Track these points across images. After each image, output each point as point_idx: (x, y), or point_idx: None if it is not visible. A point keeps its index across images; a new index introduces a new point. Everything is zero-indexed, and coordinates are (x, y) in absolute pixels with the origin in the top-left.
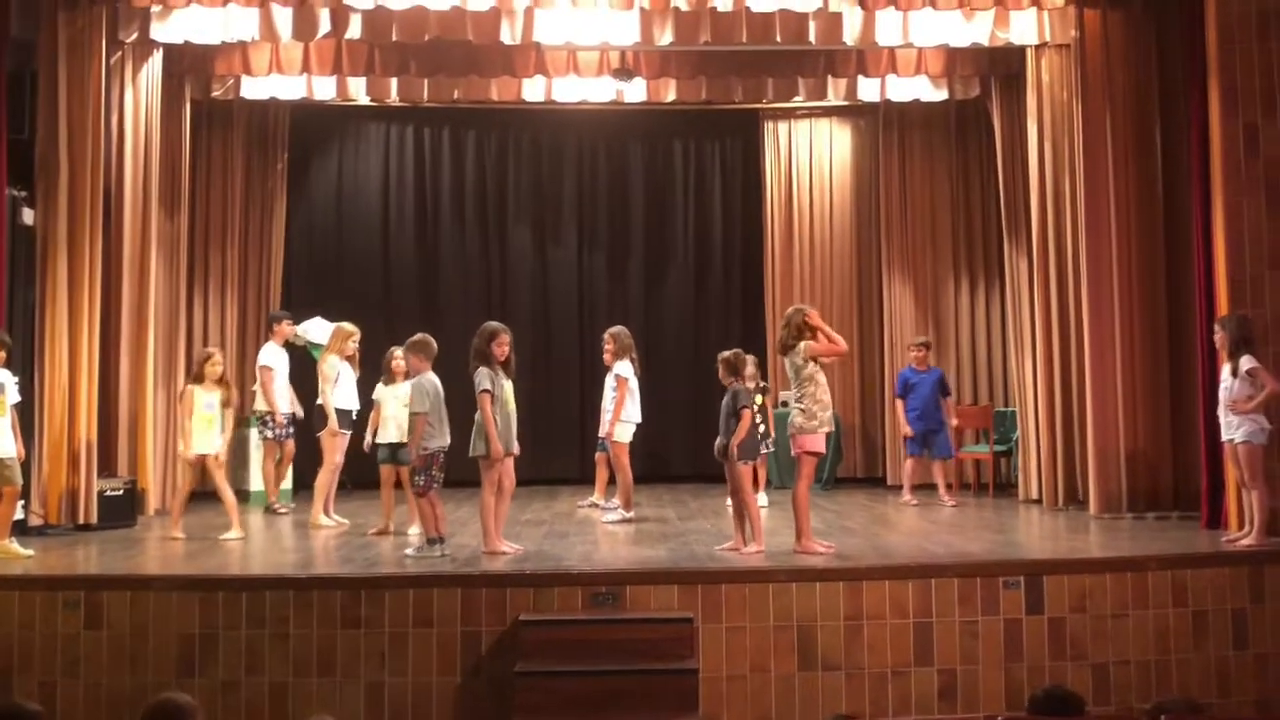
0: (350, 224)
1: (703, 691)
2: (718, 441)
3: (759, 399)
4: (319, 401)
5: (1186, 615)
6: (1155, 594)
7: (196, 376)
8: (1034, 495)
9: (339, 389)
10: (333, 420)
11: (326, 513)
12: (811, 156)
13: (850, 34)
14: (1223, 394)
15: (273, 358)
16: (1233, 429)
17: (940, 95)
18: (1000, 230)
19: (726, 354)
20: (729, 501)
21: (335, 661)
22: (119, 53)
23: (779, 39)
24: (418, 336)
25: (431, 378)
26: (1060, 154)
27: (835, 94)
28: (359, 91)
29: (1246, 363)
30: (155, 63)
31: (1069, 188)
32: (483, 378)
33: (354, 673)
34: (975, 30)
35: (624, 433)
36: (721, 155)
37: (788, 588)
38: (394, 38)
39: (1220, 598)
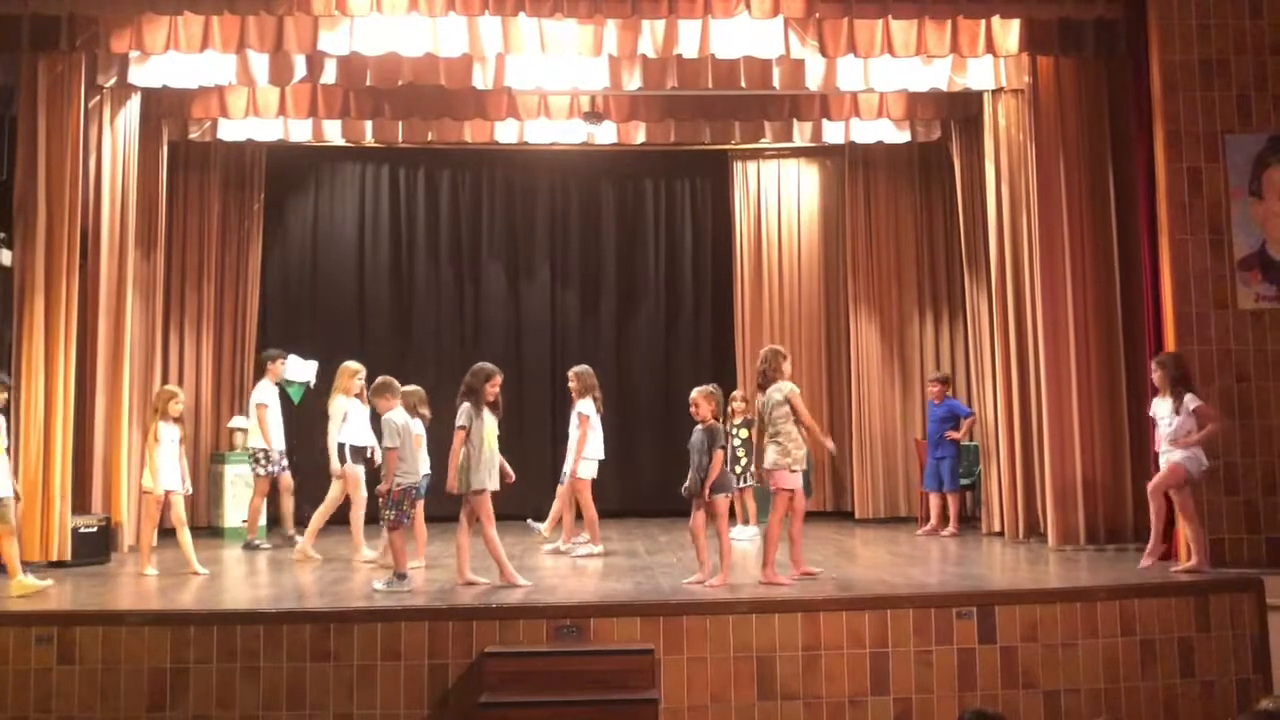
0: (325, 263)
1: None
2: (690, 477)
3: (745, 432)
4: (339, 440)
5: (1135, 644)
6: (1104, 623)
7: (162, 414)
8: (996, 528)
9: (351, 426)
10: (333, 459)
11: (357, 546)
12: (780, 196)
13: (813, 80)
14: (1161, 429)
15: (267, 395)
16: (1173, 462)
17: (903, 137)
18: (963, 267)
19: (709, 389)
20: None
21: (305, 694)
22: (97, 97)
23: (744, 84)
24: (379, 380)
25: (401, 414)
26: (1017, 194)
27: (801, 136)
28: (334, 133)
29: (1191, 401)
30: (133, 106)
31: (1026, 227)
32: (462, 415)
33: (323, 705)
34: (934, 76)
35: (587, 469)
36: (691, 195)
37: (748, 619)
38: (368, 83)
39: (1168, 627)
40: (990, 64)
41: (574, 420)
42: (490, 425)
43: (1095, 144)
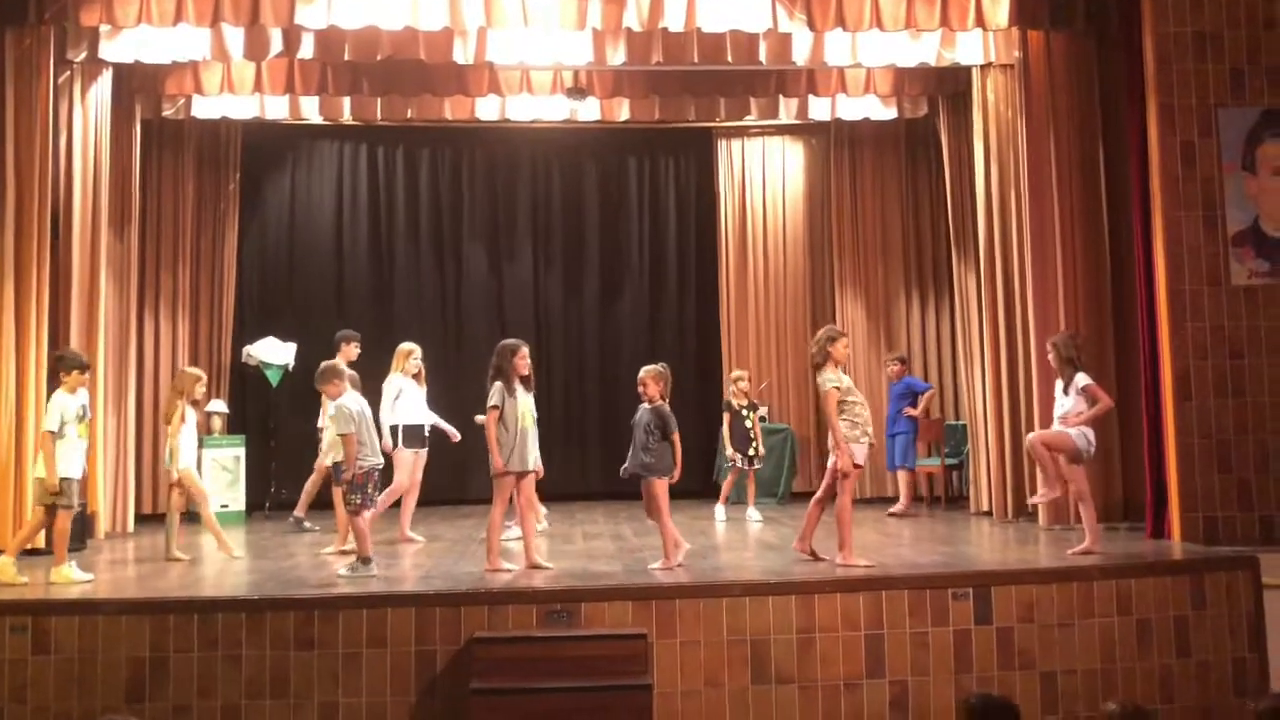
0: (303, 243)
1: (657, 707)
2: (630, 457)
3: (751, 416)
4: (391, 422)
5: (1131, 624)
6: (1100, 603)
7: (188, 396)
8: (985, 508)
9: (407, 406)
10: (385, 438)
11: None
12: (765, 174)
13: (800, 54)
14: (1056, 408)
15: None
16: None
17: (890, 114)
18: (950, 246)
19: (658, 369)
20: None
21: (289, 683)
22: (67, 72)
23: (730, 59)
24: (323, 365)
25: (353, 398)
26: (1006, 172)
27: (787, 113)
28: (311, 111)
29: (1082, 379)
30: (105, 82)
31: (1015, 205)
32: (494, 394)
33: (308, 694)
34: (922, 50)
35: None
36: (676, 173)
37: (741, 602)
38: (346, 57)
39: (1163, 606)
40: (979, 38)
41: None
42: (524, 403)
43: (1086, 120)
